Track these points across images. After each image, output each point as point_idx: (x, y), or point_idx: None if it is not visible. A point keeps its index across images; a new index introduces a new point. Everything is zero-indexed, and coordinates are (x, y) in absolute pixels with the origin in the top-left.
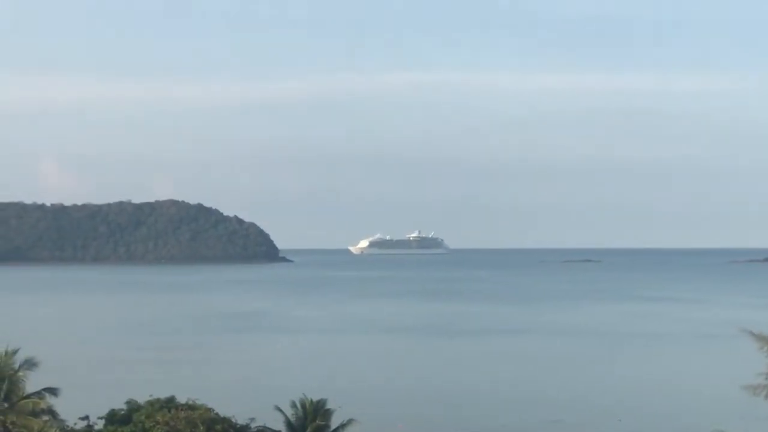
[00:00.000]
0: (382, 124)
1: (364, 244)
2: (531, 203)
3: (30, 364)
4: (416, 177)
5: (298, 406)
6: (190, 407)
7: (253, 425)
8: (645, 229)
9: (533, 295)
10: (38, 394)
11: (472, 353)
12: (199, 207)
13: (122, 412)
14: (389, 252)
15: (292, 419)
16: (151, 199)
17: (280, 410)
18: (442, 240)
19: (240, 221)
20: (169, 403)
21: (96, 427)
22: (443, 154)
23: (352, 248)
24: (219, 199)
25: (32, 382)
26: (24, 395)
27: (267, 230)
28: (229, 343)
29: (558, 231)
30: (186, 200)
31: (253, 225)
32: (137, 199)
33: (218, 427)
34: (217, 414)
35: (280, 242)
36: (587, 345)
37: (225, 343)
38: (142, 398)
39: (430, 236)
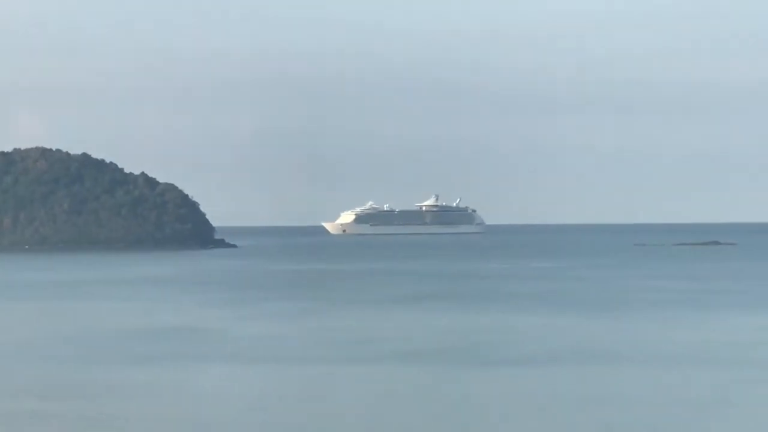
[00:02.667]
0: (376, 22)
1: (348, 217)
2: (617, 152)
3: None
4: (432, 111)
5: None
6: None
7: None
8: None
9: (631, 299)
10: None
11: (531, 394)
12: (85, 159)
13: None
14: (388, 231)
15: None
16: (8, 147)
17: None
18: (473, 211)
19: (151, 182)
20: None
21: None
22: (471, 72)
23: (328, 225)
24: (117, 146)
25: None
26: None
27: (195, 197)
28: (136, 381)
29: (664, 196)
30: (64, 149)
31: (172, 188)
32: None
33: None
34: None
35: (217, 216)
36: (725, 380)
37: (129, 381)
38: None
39: (454, 205)
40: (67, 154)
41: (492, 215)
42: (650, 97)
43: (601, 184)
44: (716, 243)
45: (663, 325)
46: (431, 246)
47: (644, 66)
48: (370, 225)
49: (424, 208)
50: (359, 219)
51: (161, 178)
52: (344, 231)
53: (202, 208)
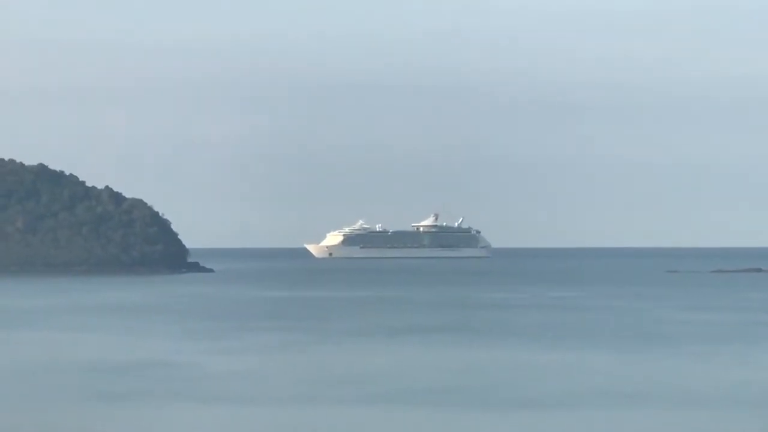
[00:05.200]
0: (372, 16)
1: (335, 239)
2: (644, 166)
3: None
4: (432, 118)
5: None
6: None
7: None
8: None
9: (665, 332)
10: None
11: None
12: (42, 170)
13: None
14: (380, 254)
15: None
16: None
17: None
18: (478, 232)
19: (116, 197)
20: None
21: None
22: (480, 76)
23: (312, 247)
24: (78, 157)
25: None
26: None
27: (166, 214)
28: (98, 422)
29: (699, 216)
30: (17, 158)
31: (140, 204)
32: None
33: None
34: None
35: (190, 236)
36: None
37: (91, 422)
38: None
39: (456, 225)
40: (21, 164)
41: (499, 237)
42: (676, 107)
43: (626, 201)
44: (759, 270)
45: (702, 362)
46: (431, 272)
47: (663, 72)
48: (360, 247)
49: (421, 229)
50: (348, 240)
51: (128, 193)
52: (330, 254)
53: (174, 227)
